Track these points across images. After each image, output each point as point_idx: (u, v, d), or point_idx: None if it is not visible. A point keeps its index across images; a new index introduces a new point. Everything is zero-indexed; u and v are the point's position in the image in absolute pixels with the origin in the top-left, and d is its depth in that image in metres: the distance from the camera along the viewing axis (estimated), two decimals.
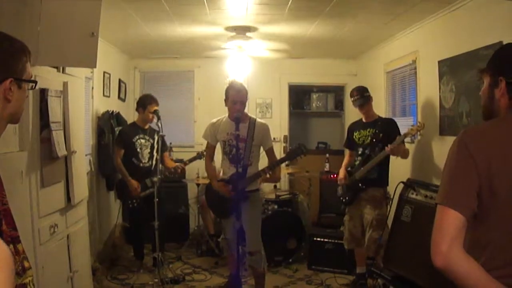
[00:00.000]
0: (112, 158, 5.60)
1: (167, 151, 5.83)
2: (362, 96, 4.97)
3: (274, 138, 4.50)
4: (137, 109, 5.62)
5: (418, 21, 4.98)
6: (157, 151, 5.54)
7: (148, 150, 5.53)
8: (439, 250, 1.53)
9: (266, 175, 4.31)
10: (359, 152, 4.97)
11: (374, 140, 4.82)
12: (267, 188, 6.60)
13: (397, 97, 6.16)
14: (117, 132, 5.79)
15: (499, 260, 1.56)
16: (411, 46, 5.38)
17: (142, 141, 5.49)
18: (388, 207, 4.78)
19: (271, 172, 4.34)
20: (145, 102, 5.49)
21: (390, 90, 6.29)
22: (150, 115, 5.42)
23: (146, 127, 5.58)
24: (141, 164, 5.46)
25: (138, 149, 5.47)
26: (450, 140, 1.65)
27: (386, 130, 4.80)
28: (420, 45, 5.13)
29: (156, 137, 5.53)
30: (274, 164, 4.33)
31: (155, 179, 4.94)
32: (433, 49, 4.78)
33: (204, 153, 5.31)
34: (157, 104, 5.51)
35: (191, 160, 5.69)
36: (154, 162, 5.57)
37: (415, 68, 5.30)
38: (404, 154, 4.74)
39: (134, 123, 5.69)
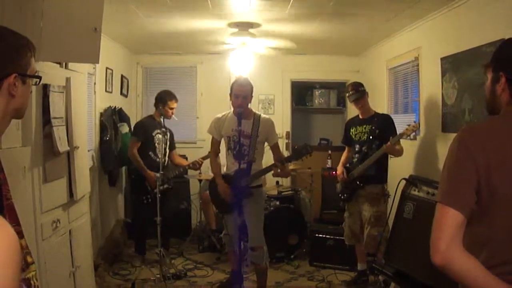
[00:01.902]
0: (114, 153, 5.60)
1: (175, 149, 5.86)
2: (357, 91, 4.95)
3: (277, 136, 4.50)
4: (156, 104, 5.59)
5: (420, 18, 4.97)
6: (172, 148, 5.65)
7: (163, 145, 5.47)
8: (438, 248, 1.53)
9: (277, 169, 4.29)
10: (356, 149, 4.98)
11: (370, 137, 4.83)
12: (269, 184, 6.61)
13: (399, 94, 6.15)
14: (135, 123, 5.79)
15: (499, 258, 1.56)
16: (413, 43, 5.37)
17: (160, 136, 5.45)
18: (386, 204, 4.80)
19: (282, 167, 4.32)
20: (165, 98, 5.50)
21: (393, 87, 6.28)
22: (170, 111, 5.45)
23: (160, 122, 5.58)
24: (158, 159, 5.33)
25: (156, 144, 5.48)
26: (452, 137, 1.65)
27: (382, 127, 4.80)
28: (423, 42, 5.13)
29: (168, 134, 5.61)
30: (284, 159, 4.33)
31: (157, 175, 4.95)
32: (436, 46, 4.77)
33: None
34: (177, 101, 5.56)
35: (204, 158, 5.67)
36: (167, 159, 5.61)
37: (418, 65, 5.29)
38: (397, 154, 4.74)
39: (152, 117, 5.67)
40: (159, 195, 4.84)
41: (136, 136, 5.48)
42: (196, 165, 5.68)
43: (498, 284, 1.51)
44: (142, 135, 5.45)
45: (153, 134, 5.49)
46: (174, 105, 5.51)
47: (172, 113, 5.52)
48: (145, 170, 5.34)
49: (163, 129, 5.10)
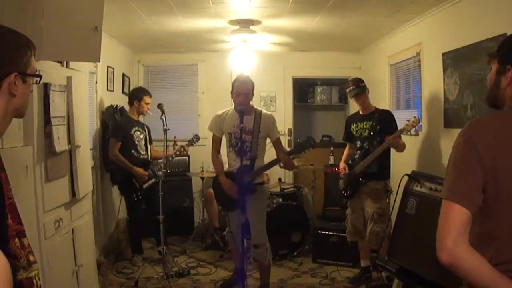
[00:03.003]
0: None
1: (152, 143, 5.93)
2: (358, 86, 4.95)
3: (278, 131, 4.49)
4: (130, 102, 5.70)
5: (422, 13, 4.95)
6: (150, 143, 5.70)
7: (143, 142, 5.63)
8: (444, 245, 1.51)
9: (287, 159, 4.25)
10: (358, 145, 4.97)
11: (371, 133, 4.82)
12: (272, 181, 6.61)
13: (401, 89, 6.13)
14: (111, 125, 5.81)
15: (506, 255, 1.54)
16: (415, 39, 5.35)
17: (138, 133, 5.58)
18: (388, 200, 4.80)
19: (290, 158, 4.31)
20: (140, 94, 5.62)
21: (394, 82, 6.27)
22: (145, 107, 5.54)
23: (137, 119, 5.69)
24: (141, 156, 5.56)
25: (136, 141, 5.54)
26: (454, 132, 1.64)
27: (383, 123, 4.80)
28: (424, 37, 5.11)
29: (146, 130, 5.73)
30: (289, 152, 4.32)
31: (159, 173, 4.95)
32: (437, 41, 4.75)
33: (195, 139, 5.55)
34: (151, 96, 5.66)
35: (187, 145, 5.73)
36: (149, 154, 5.72)
37: (419, 61, 5.28)
38: (399, 148, 4.73)
39: (128, 116, 5.73)
40: (162, 193, 4.83)
41: (115, 137, 5.45)
42: (181, 149, 5.73)
43: (504, 281, 1.49)
44: (121, 135, 5.45)
45: (132, 132, 5.52)
46: (149, 100, 5.61)
47: (148, 109, 5.62)
48: (132, 168, 5.38)
49: (163, 122, 4.99)
